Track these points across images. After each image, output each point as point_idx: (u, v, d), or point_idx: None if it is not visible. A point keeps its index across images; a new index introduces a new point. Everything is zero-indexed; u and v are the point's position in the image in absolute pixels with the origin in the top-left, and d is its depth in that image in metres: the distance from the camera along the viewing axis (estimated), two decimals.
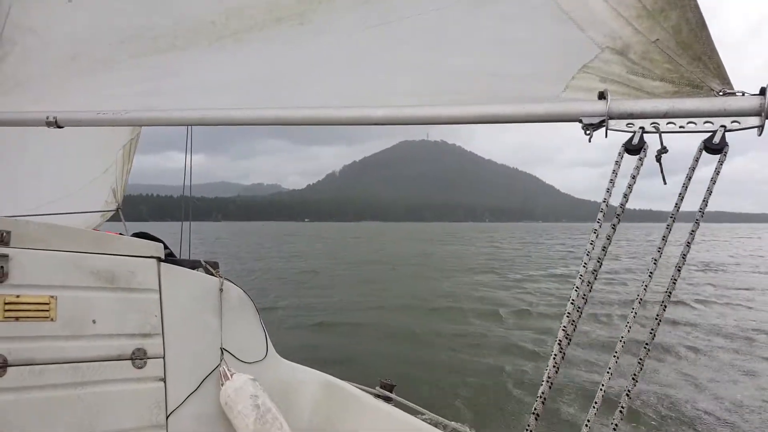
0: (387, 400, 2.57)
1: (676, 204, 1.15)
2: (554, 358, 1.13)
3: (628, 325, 1.20)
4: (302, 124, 1.65)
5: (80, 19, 2.14)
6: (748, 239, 60.31)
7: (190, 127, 3.28)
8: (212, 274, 2.47)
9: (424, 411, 2.52)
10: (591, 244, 1.15)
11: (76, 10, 2.12)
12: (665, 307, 1.20)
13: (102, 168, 3.85)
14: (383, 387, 2.60)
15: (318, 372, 2.87)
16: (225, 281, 2.46)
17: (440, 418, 2.46)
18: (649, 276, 1.20)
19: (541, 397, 1.12)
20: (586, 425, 1.16)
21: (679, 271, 1.18)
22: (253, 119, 1.74)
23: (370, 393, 2.64)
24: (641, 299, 1.19)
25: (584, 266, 1.15)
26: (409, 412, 2.44)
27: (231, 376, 2.29)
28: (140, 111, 1.97)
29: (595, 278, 1.17)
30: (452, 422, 2.45)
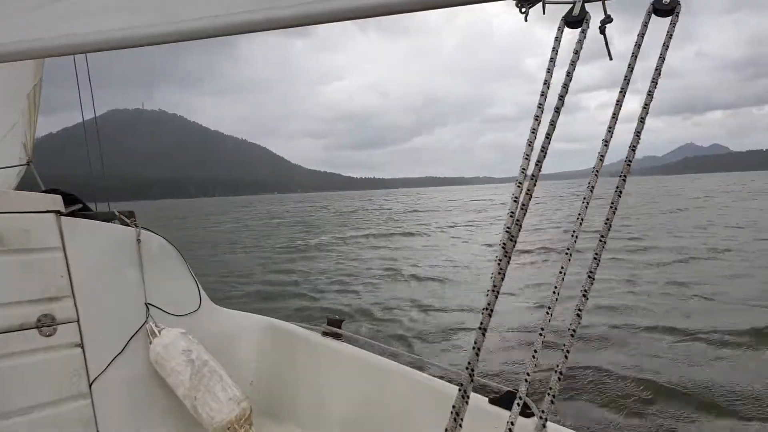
0: (336, 337, 2.46)
1: (626, 77, 1.01)
2: (494, 288, 0.99)
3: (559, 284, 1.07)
4: (204, 37, 1.42)
5: None
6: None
7: (86, 56, 2.89)
8: (127, 225, 2.24)
9: (375, 343, 2.44)
10: (530, 142, 1.01)
11: None
12: (604, 243, 1.06)
13: (8, 125, 3.43)
14: (330, 324, 2.48)
15: (260, 317, 2.72)
16: (143, 230, 2.22)
17: (392, 348, 2.41)
18: (590, 190, 1.06)
19: (480, 328, 1.00)
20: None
21: (615, 212, 1.04)
22: (149, 37, 1.49)
23: (318, 332, 2.53)
24: (576, 236, 1.06)
25: (520, 180, 1.01)
26: (360, 347, 2.36)
27: (159, 332, 2.11)
28: (15, 43, 1.66)
29: (530, 199, 1.03)
30: (403, 351, 2.40)
